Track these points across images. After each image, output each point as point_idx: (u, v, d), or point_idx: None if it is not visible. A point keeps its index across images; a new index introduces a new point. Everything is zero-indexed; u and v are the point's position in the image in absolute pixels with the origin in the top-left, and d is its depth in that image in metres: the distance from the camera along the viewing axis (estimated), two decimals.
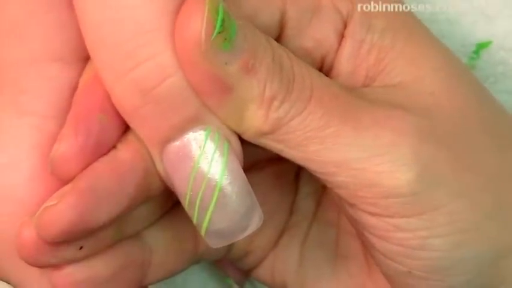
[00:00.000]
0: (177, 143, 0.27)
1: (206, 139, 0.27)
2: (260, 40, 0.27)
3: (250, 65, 0.26)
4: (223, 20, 0.26)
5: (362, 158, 0.27)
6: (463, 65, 0.31)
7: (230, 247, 0.34)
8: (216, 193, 0.27)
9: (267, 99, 0.27)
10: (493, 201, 0.28)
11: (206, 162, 0.27)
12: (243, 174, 0.28)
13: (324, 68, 0.30)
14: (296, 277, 0.34)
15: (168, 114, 0.27)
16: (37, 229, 0.27)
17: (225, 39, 0.26)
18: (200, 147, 0.27)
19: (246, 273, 0.35)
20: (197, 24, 0.25)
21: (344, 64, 0.29)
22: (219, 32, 0.26)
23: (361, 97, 0.28)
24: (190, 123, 0.27)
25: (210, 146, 0.27)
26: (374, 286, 0.32)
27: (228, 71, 0.26)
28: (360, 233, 0.29)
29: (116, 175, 0.27)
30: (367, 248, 0.30)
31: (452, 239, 0.27)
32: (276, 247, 0.34)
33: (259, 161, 0.34)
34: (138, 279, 0.30)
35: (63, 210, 0.27)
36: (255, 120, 0.27)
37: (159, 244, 0.31)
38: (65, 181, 0.27)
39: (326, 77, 0.28)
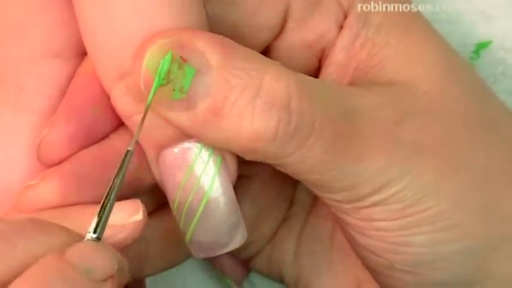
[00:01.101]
0: (173, 150, 0.27)
1: (200, 151, 0.27)
2: (237, 79, 0.25)
3: (216, 109, 0.25)
4: (167, 72, 0.25)
5: (357, 182, 0.27)
6: (463, 60, 0.31)
7: None
8: (203, 204, 0.27)
9: (248, 139, 0.26)
10: (480, 199, 0.28)
11: (198, 172, 0.27)
12: (232, 191, 0.28)
13: (322, 58, 0.30)
14: (292, 267, 0.34)
15: (162, 125, 0.27)
16: (17, 208, 0.27)
17: (174, 89, 0.25)
18: (194, 157, 0.27)
19: (245, 264, 0.35)
20: (137, 77, 0.25)
21: (337, 54, 0.30)
22: (163, 84, 0.25)
23: (357, 114, 0.27)
24: (186, 135, 0.27)
25: (204, 158, 0.27)
26: (368, 278, 0.32)
27: (190, 116, 0.26)
28: (342, 227, 0.30)
29: (102, 162, 0.27)
30: (349, 241, 0.30)
31: (435, 236, 0.28)
32: (274, 238, 0.34)
33: None
34: (134, 271, 0.30)
35: (40, 190, 0.27)
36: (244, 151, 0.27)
37: (156, 235, 0.31)
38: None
39: (329, 99, 0.27)
